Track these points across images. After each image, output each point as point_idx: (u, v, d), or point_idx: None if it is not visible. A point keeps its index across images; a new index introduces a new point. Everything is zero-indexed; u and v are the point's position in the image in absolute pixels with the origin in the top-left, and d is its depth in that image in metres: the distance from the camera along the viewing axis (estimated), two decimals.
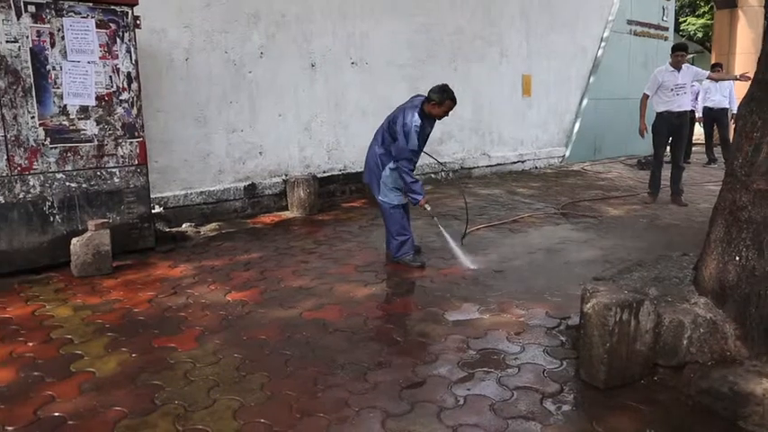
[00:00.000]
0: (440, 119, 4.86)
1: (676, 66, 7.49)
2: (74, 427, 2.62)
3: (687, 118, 7.62)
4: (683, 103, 7.51)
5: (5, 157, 4.57)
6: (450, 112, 4.84)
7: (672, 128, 7.57)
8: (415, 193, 4.81)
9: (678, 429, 2.63)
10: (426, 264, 4.98)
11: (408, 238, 4.98)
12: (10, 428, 2.61)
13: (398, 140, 4.68)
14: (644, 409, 2.74)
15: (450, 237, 5.18)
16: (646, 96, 7.78)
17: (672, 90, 7.47)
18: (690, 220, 6.75)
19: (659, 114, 7.64)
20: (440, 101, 4.69)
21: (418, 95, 4.98)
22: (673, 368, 2.95)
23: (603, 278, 3.39)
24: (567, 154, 11.74)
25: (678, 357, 2.93)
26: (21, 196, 4.68)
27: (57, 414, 2.72)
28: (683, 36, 23.49)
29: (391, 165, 4.84)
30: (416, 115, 4.67)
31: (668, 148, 7.82)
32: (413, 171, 4.79)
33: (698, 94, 11.97)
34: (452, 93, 4.72)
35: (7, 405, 2.80)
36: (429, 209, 4.96)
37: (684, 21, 24.66)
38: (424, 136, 4.79)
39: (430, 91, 4.74)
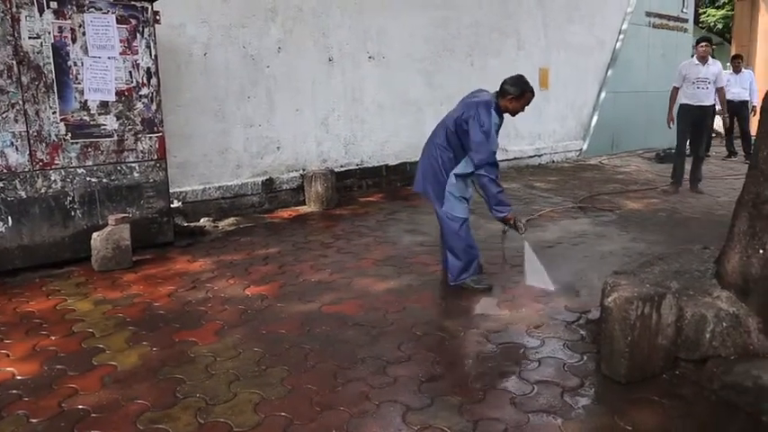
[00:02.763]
0: (514, 115, 4.28)
1: (701, 58, 7.44)
2: (97, 419, 2.65)
3: (708, 112, 7.59)
4: (702, 98, 7.49)
5: (28, 152, 4.63)
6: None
7: (693, 120, 7.55)
8: (501, 205, 4.07)
9: (701, 424, 2.61)
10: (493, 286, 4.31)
11: (475, 259, 4.27)
12: (35, 420, 2.65)
13: (477, 143, 4.02)
14: (666, 403, 2.72)
15: (533, 251, 4.35)
16: (674, 89, 7.83)
17: (693, 83, 7.47)
18: (710, 214, 6.67)
19: (681, 106, 7.71)
20: (519, 94, 4.13)
21: (481, 90, 4.40)
22: (695, 362, 2.92)
23: (624, 272, 3.35)
24: (585, 148, 11.64)
25: (700, 351, 2.90)
26: (42, 191, 4.73)
27: (80, 407, 2.75)
28: (702, 28, 23.17)
29: (457, 170, 4.17)
30: (494, 112, 4.10)
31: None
32: (499, 177, 4.12)
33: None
34: (530, 83, 4.21)
35: (32, 397, 2.84)
36: (523, 224, 4.23)
37: (704, 12, 24.36)
38: None
39: (504, 84, 4.19)
